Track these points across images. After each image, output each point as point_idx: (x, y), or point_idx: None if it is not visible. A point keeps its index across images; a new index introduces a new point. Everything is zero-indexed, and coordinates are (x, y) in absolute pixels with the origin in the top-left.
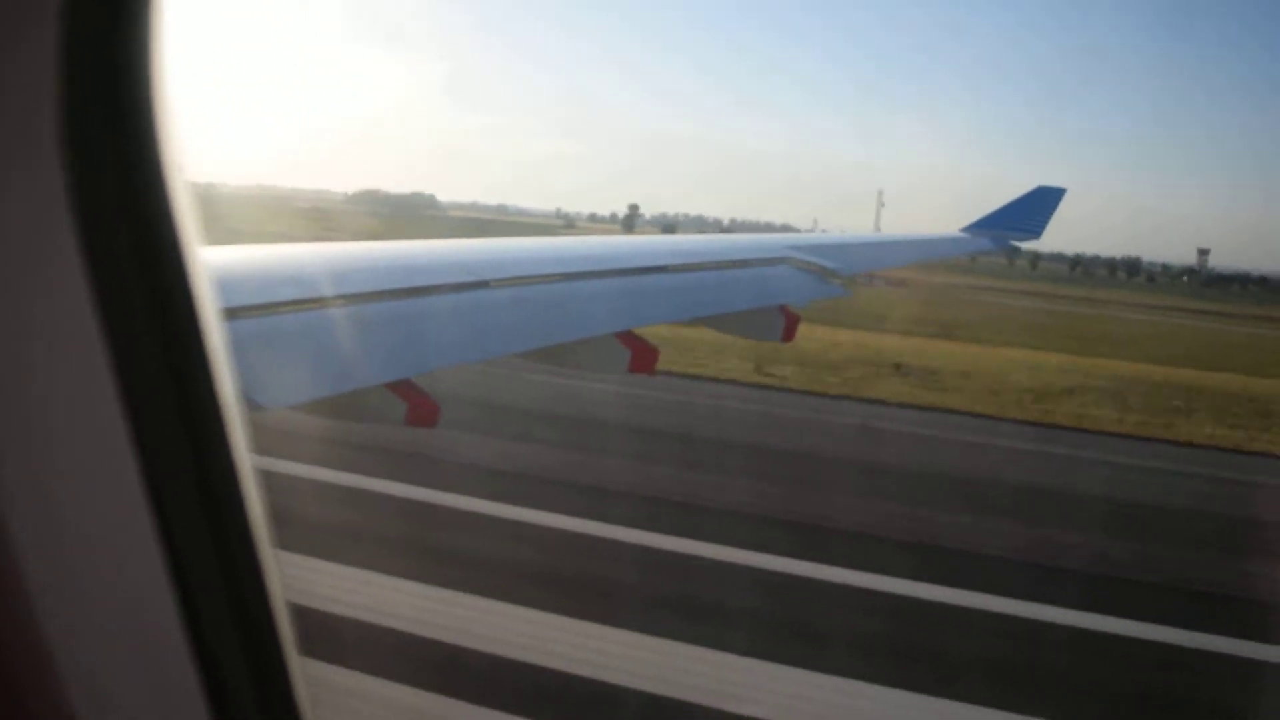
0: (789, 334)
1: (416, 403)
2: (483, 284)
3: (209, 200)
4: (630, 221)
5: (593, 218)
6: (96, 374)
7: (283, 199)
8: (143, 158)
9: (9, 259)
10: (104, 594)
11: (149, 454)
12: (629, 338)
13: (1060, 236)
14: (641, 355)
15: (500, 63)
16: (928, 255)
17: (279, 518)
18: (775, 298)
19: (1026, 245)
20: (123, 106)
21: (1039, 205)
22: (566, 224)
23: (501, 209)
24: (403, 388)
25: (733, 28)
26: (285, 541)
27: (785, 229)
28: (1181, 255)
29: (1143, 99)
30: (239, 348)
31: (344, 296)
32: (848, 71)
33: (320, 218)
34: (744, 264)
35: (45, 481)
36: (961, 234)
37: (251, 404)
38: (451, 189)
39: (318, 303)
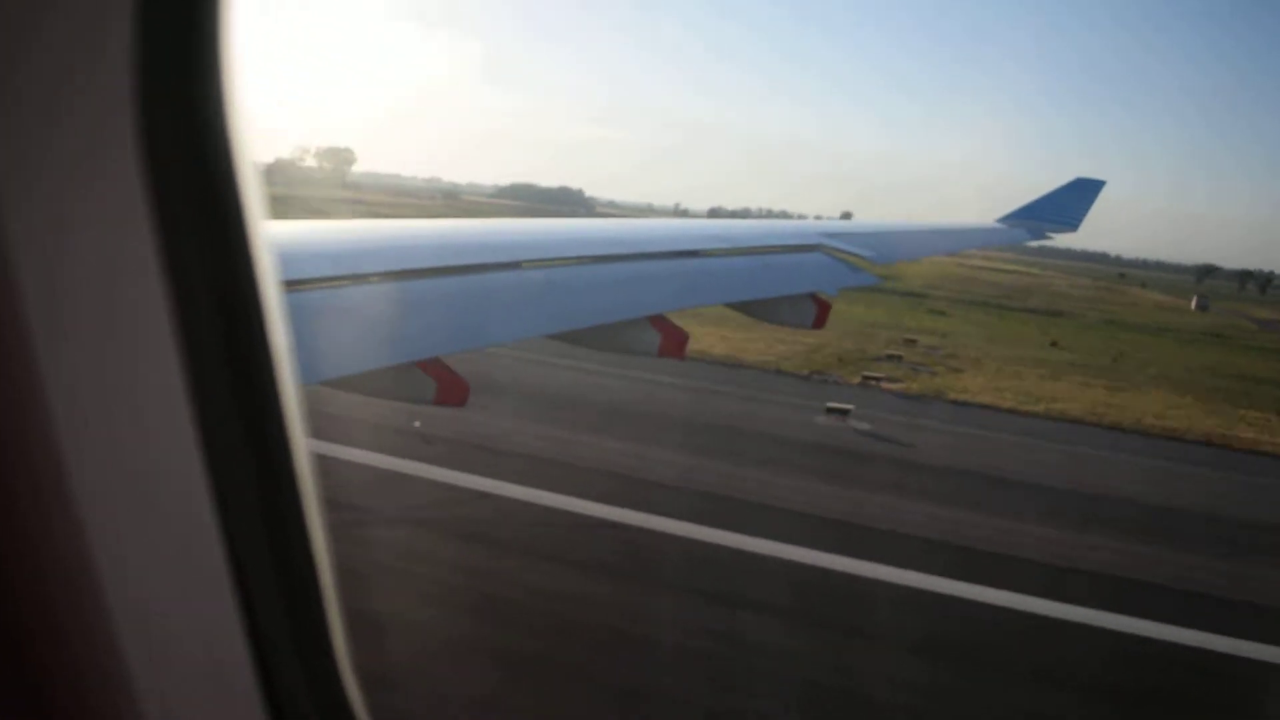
0: (820, 321)
1: (447, 381)
2: (514, 265)
3: (375, 190)
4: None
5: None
6: (165, 356)
7: (442, 191)
8: (213, 135)
9: (90, 240)
10: (165, 576)
11: (211, 431)
12: (660, 322)
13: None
14: (671, 339)
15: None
16: (964, 245)
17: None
18: (807, 285)
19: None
20: (196, 90)
21: (1077, 197)
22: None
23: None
24: (433, 366)
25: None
26: None
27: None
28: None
29: (1190, 99)
30: None
31: (375, 275)
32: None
33: (474, 211)
34: (777, 250)
35: (115, 465)
36: (998, 224)
37: None
38: (598, 185)
39: (349, 279)
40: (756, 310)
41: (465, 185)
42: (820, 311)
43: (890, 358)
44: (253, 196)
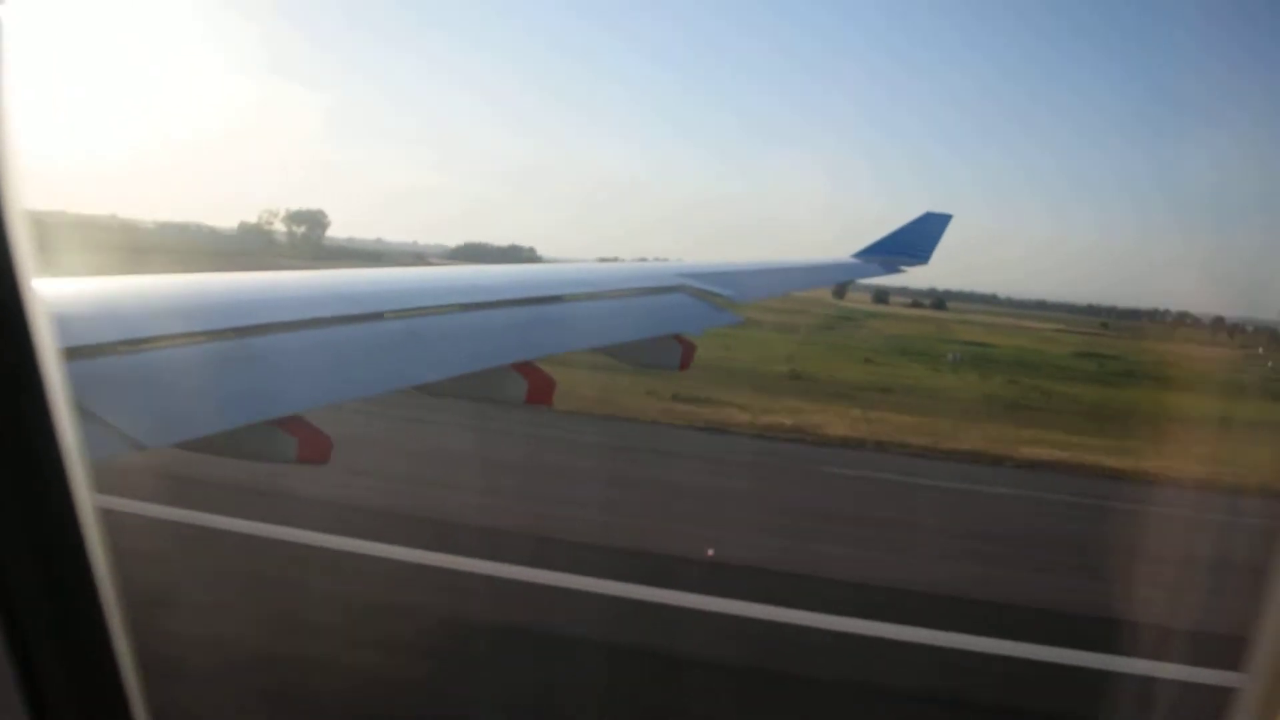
0: (685, 362)
1: (308, 438)
2: (375, 316)
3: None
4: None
5: None
6: None
7: (412, 254)
8: None
9: None
10: None
11: None
12: (526, 368)
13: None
14: (539, 386)
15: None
16: (820, 281)
17: None
18: (671, 326)
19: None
20: None
21: (926, 231)
22: None
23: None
24: (293, 423)
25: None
26: None
27: None
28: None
29: (1025, 128)
30: (117, 384)
31: (233, 330)
32: (728, 101)
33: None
34: (639, 293)
35: None
36: (853, 259)
37: (131, 443)
38: (551, 242)
39: (206, 336)
40: (622, 354)
41: (427, 246)
42: (686, 352)
43: None
44: (24, 255)
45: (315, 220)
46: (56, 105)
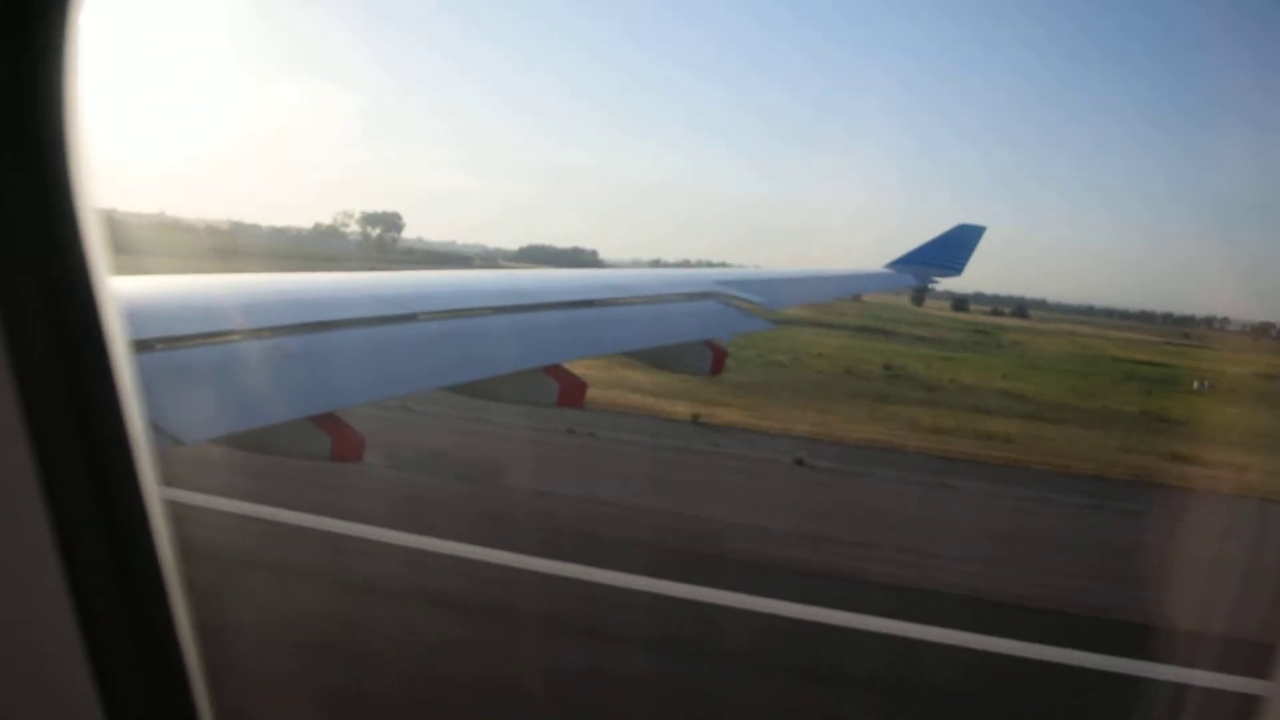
0: (716, 368)
1: (341, 436)
2: (410, 317)
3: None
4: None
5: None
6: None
7: (482, 255)
8: (50, 187)
9: None
10: (5, 630)
11: (54, 485)
12: (557, 371)
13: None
14: (570, 389)
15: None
16: (854, 290)
17: None
18: (703, 332)
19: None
20: (30, 136)
21: (960, 243)
22: None
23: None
24: (327, 421)
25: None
26: None
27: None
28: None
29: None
30: (156, 380)
31: (268, 329)
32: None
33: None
34: (671, 299)
35: None
36: (887, 270)
37: (169, 438)
38: (608, 243)
39: (241, 334)
40: (654, 358)
41: (492, 249)
42: (716, 358)
43: None
44: (98, 255)
45: (390, 222)
46: (113, 108)
